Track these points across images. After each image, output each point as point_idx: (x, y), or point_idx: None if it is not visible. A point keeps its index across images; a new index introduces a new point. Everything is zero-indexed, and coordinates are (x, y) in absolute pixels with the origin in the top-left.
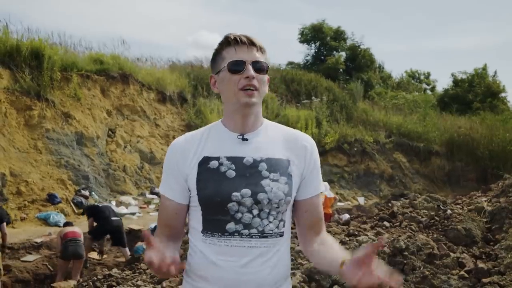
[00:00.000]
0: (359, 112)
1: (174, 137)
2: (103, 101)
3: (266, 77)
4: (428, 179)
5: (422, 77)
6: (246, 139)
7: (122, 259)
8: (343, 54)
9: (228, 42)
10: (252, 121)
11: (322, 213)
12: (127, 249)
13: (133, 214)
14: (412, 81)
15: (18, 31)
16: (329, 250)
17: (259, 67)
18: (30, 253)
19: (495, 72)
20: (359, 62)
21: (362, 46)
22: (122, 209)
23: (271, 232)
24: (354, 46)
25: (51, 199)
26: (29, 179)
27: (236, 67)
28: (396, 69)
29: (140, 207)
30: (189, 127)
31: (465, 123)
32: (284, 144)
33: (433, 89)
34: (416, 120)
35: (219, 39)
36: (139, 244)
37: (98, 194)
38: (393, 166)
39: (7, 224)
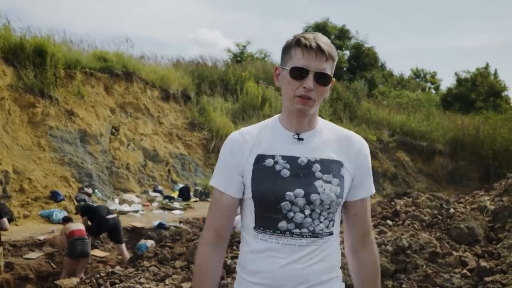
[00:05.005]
0: (363, 110)
1: (177, 135)
2: (107, 98)
3: (328, 87)
4: (431, 178)
5: (428, 76)
6: (302, 139)
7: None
8: (347, 52)
9: (299, 42)
10: (307, 122)
11: (370, 219)
12: (123, 245)
13: (136, 212)
14: (417, 79)
15: (21, 28)
16: (361, 275)
17: (322, 79)
18: (33, 251)
19: (496, 71)
20: (363, 61)
21: (366, 45)
22: (125, 207)
23: (321, 232)
24: (358, 45)
25: (54, 197)
26: (32, 176)
27: (298, 74)
28: (401, 68)
29: (143, 205)
30: (193, 125)
31: (469, 122)
32: (338, 146)
33: (437, 88)
34: (420, 119)
35: (219, 36)
36: (142, 241)
37: (101, 191)
38: (396, 165)
39: (9, 222)
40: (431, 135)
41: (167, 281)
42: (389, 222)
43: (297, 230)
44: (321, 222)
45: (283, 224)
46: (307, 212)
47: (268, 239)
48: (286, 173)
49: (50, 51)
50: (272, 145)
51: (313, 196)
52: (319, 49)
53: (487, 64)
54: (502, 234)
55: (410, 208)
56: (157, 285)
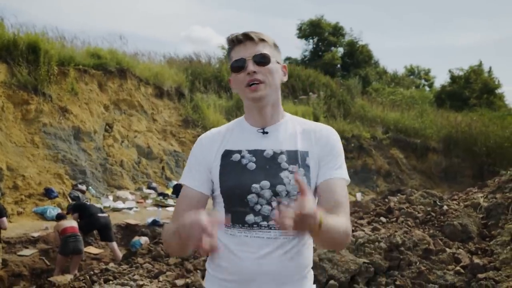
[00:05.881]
0: (357, 108)
1: (171, 132)
2: (101, 95)
3: (274, 66)
4: (425, 175)
5: (422, 73)
6: (267, 132)
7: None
8: (341, 49)
9: (228, 42)
10: (270, 113)
11: (341, 199)
12: (114, 243)
13: (130, 209)
14: (411, 76)
15: (14, 25)
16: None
17: (260, 60)
18: (27, 248)
19: (490, 68)
20: (357, 58)
21: (360, 42)
22: (119, 204)
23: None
24: (352, 42)
25: (48, 194)
26: (26, 173)
27: (238, 66)
28: (399, 65)
29: (137, 202)
30: (187, 122)
31: (463, 120)
32: (303, 136)
33: (431, 85)
34: (413, 116)
35: (211, 33)
36: (136, 238)
37: (95, 188)
38: (390, 162)
39: None
40: (424, 132)
41: (161, 278)
42: (383, 219)
43: (264, 223)
44: None
45: (250, 217)
46: (274, 204)
47: (237, 234)
48: (252, 166)
49: (44, 48)
50: (238, 140)
51: (279, 187)
52: (247, 37)
53: (481, 62)
54: (496, 231)
55: (403, 205)
56: (151, 282)
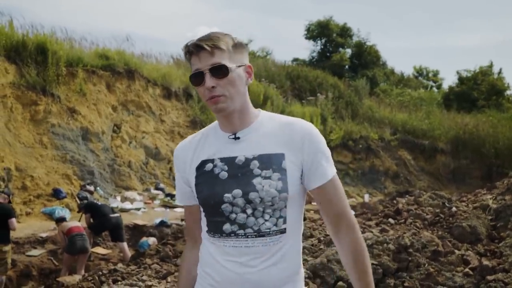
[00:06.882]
0: (365, 109)
1: (179, 133)
2: (109, 96)
3: (234, 75)
4: (433, 177)
5: (430, 74)
6: (238, 138)
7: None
8: (349, 51)
9: (184, 53)
10: (238, 119)
11: (340, 203)
12: (125, 243)
13: (138, 209)
14: (420, 77)
15: (22, 26)
16: (343, 257)
17: (217, 72)
18: (35, 248)
19: (500, 70)
20: (365, 59)
21: (368, 43)
22: (127, 205)
23: (268, 230)
24: (360, 43)
25: (56, 194)
26: (35, 174)
27: (196, 81)
28: (400, 66)
29: (145, 203)
30: (194, 123)
31: (471, 121)
32: (279, 137)
33: (439, 86)
34: (421, 117)
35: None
36: (144, 239)
37: (103, 189)
38: (398, 163)
39: None
40: (433, 134)
41: (169, 279)
42: (391, 220)
43: (241, 231)
44: (266, 220)
45: (227, 227)
46: (249, 211)
47: (217, 243)
48: (224, 175)
49: (52, 49)
50: (211, 149)
51: (252, 195)
52: (199, 47)
53: (491, 63)
54: (505, 233)
55: (412, 207)
56: (159, 283)
